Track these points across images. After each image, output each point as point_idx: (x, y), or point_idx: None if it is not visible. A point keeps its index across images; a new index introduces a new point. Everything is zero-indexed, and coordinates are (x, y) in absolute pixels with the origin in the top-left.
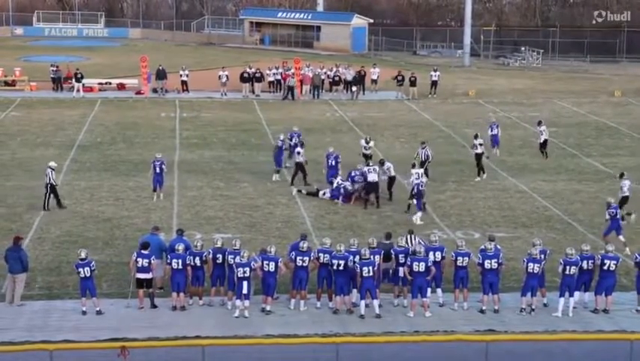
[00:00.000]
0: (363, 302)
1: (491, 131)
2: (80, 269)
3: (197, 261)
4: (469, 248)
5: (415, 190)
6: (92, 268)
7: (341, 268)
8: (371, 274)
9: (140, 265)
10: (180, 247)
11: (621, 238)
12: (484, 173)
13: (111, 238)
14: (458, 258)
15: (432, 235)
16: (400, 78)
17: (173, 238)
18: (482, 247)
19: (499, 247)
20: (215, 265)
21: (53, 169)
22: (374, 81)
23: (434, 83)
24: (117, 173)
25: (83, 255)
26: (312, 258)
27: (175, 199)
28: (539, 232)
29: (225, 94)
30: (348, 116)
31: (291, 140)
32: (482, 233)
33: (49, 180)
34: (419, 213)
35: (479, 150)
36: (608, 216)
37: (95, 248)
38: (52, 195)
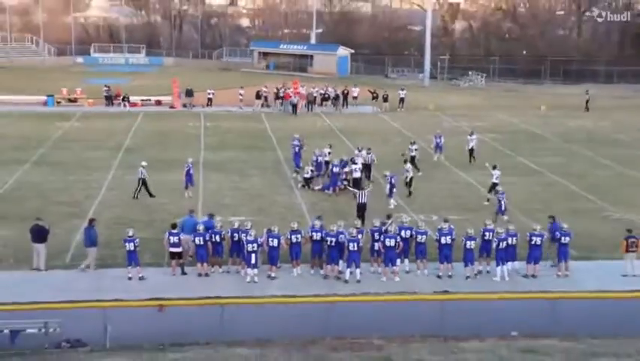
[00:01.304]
0: (348, 270)
1: (435, 139)
2: (127, 244)
3: (218, 238)
4: (429, 228)
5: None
6: (136, 244)
7: (333, 244)
8: (356, 248)
9: (172, 241)
10: (201, 227)
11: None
12: (418, 171)
13: (151, 220)
14: (418, 235)
15: (403, 217)
16: (375, 95)
17: (201, 220)
18: (439, 226)
19: (452, 226)
20: (232, 242)
21: (144, 167)
22: (355, 97)
23: (402, 100)
24: (155, 169)
25: (130, 233)
26: (304, 235)
27: (200, 190)
28: (483, 215)
29: (241, 108)
30: (335, 125)
31: (293, 146)
32: (439, 216)
33: (142, 175)
34: (392, 200)
35: (414, 153)
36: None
37: (138, 228)
38: (143, 187)
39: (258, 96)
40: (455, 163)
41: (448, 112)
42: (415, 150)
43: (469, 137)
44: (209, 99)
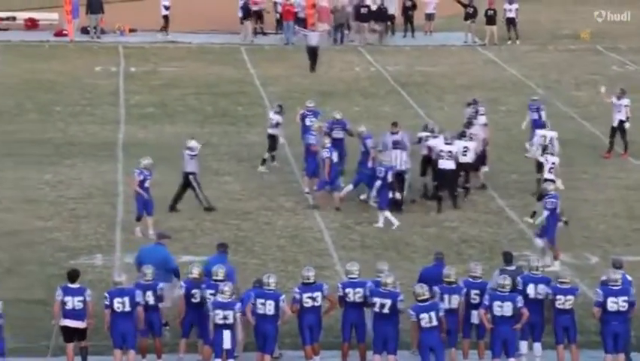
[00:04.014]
0: None
1: (532, 114)
2: None
3: (151, 297)
4: (580, 280)
5: None
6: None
7: (385, 310)
8: (434, 323)
9: (68, 306)
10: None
11: None
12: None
13: (18, 261)
14: (558, 297)
15: (531, 260)
16: (470, 10)
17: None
18: (604, 277)
19: (628, 277)
20: (190, 306)
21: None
22: (429, 15)
23: (510, 22)
24: (26, 160)
25: None
26: (325, 294)
27: (119, 200)
28: None
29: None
30: (390, 71)
31: (303, 120)
32: (602, 255)
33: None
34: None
35: (547, 143)
36: None
37: None
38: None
39: (247, 13)
40: (632, 147)
41: (621, 44)
42: (547, 141)
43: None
44: (166, 18)
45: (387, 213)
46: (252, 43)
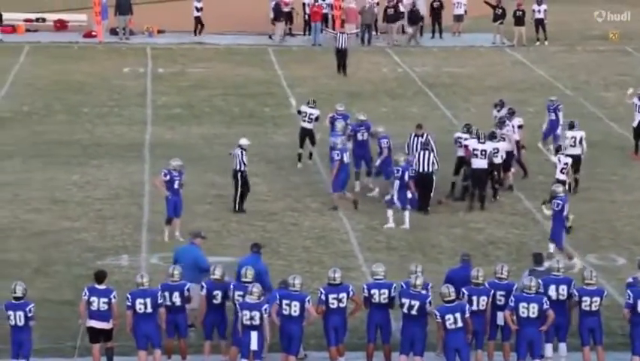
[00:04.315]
0: None
1: (550, 115)
2: (12, 314)
3: (177, 298)
4: (606, 281)
5: None
6: (29, 313)
7: (413, 311)
8: (459, 325)
9: (94, 307)
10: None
11: None
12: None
13: (45, 262)
14: (584, 298)
15: (553, 261)
16: (498, 11)
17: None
18: (631, 279)
19: None
20: (211, 308)
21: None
22: (459, 17)
23: (539, 23)
24: (54, 161)
25: (19, 292)
26: (351, 295)
27: (146, 201)
28: None
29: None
30: (417, 72)
31: (332, 123)
32: (629, 257)
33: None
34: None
35: (571, 143)
36: None
37: (18, 279)
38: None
39: (279, 14)
40: None
41: None
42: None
43: None
44: (198, 20)
45: (407, 213)
46: (283, 44)
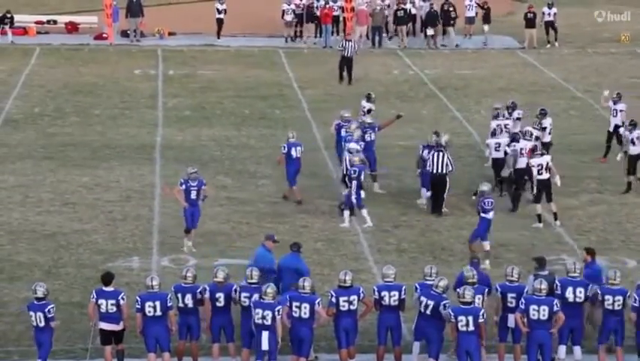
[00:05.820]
0: None
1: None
2: (33, 315)
3: (190, 300)
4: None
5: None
6: (49, 314)
7: (428, 311)
8: (471, 328)
9: (102, 309)
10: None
11: None
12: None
13: (56, 264)
14: (607, 297)
15: (568, 263)
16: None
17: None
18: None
19: None
20: (215, 310)
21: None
22: (470, 19)
23: (549, 25)
24: (65, 163)
25: (40, 292)
26: (362, 297)
27: (156, 203)
28: None
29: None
30: (428, 74)
31: (339, 131)
32: None
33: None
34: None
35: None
36: None
37: (30, 280)
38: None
39: (310, 18)
40: None
41: None
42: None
43: None
44: (220, 21)
45: (364, 212)
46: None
